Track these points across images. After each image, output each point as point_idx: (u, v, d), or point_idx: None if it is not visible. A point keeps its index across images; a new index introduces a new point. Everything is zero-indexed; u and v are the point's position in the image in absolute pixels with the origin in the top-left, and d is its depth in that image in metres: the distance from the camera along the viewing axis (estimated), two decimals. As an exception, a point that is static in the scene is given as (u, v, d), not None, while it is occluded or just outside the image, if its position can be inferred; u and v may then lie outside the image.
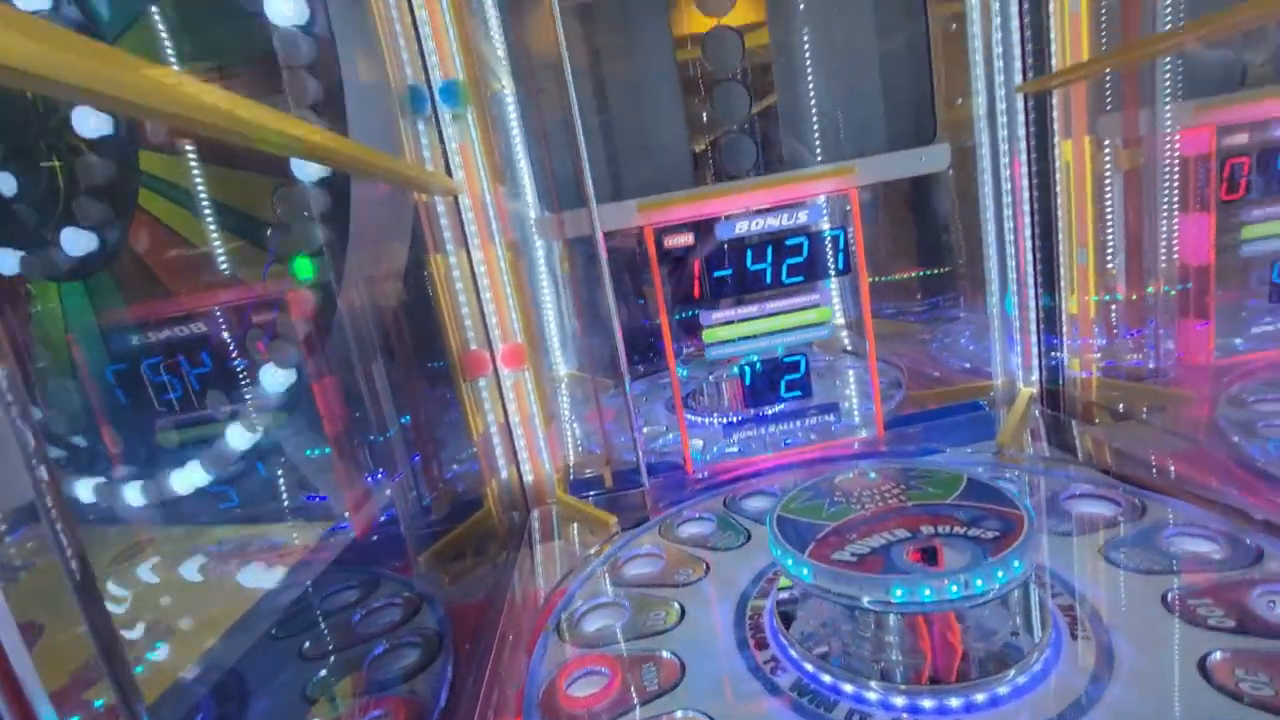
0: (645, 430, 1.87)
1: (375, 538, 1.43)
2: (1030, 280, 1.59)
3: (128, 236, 1.30)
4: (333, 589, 1.30)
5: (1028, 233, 1.57)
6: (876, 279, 2.53)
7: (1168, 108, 1.55)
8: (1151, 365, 1.64)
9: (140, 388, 1.40)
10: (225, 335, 1.37)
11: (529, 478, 1.51)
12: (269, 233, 1.20)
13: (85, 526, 1.54)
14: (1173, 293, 1.65)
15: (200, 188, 1.24)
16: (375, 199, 1.28)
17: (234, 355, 1.36)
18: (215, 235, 1.27)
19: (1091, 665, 0.76)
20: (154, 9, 1.21)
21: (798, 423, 1.54)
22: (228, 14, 1.14)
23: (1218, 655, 0.74)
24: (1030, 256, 1.57)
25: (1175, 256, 1.64)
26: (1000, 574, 0.74)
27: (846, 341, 2.34)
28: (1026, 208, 1.56)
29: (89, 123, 1.16)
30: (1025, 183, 1.54)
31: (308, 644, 1.11)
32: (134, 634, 1.18)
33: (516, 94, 1.68)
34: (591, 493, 1.53)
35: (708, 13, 1.41)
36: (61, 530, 0.38)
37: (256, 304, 1.30)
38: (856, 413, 1.66)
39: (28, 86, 0.36)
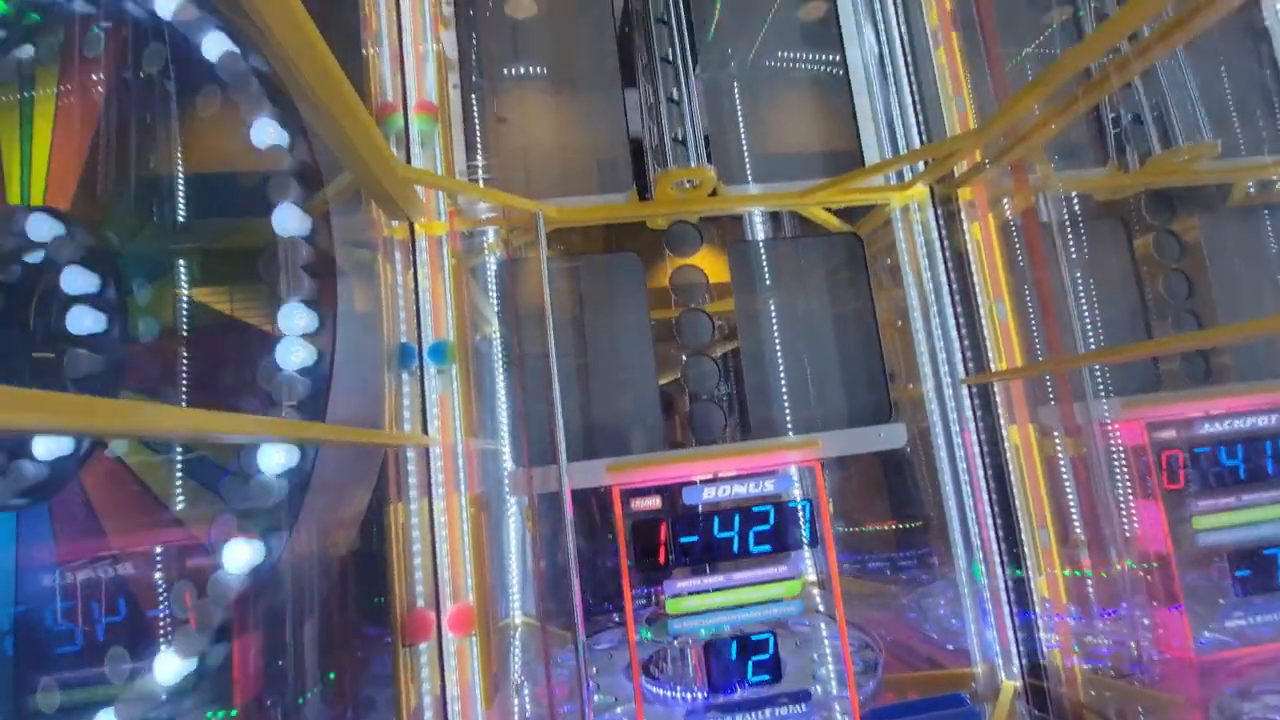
0: (597, 699, 1.68)
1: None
2: (996, 556, 1.58)
3: (78, 469, 1.26)
4: None
5: (987, 509, 1.61)
6: (849, 529, 2.51)
7: (1099, 402, 1.69)
8: (1133, 654, 1.57)
9: (35, 636, 1.25)
10: (152, 580, 1.26)
11: (461, 767, 1.31)
12: (225, 479, 1.18)
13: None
14: (1141, 575, 1.65)
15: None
16: (344, 453, 1.28)
17: (155, 604, 1.24)
18: (174, 481, 1.23)
19: None
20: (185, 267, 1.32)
21: (768, 710, 1.40)
22: (243, 279, 1.25)
23: None
24: (993, 533, 1.58)
25: (1137, 541, 1.67)
26: None
27: (819, 601, 2.24)
28: (984, 485, 1.61)
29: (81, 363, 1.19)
30: (979, 463, 1.62)
31: None
32: None
33: (503, 343, 1.79)
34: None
35: (682, 300, 1.58)
36: None
37: (193, 549, 1.23)
38: (831, 696, 1.52)
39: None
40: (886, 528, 2.50)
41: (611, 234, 1.79)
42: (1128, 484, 1.68)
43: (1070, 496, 1.65)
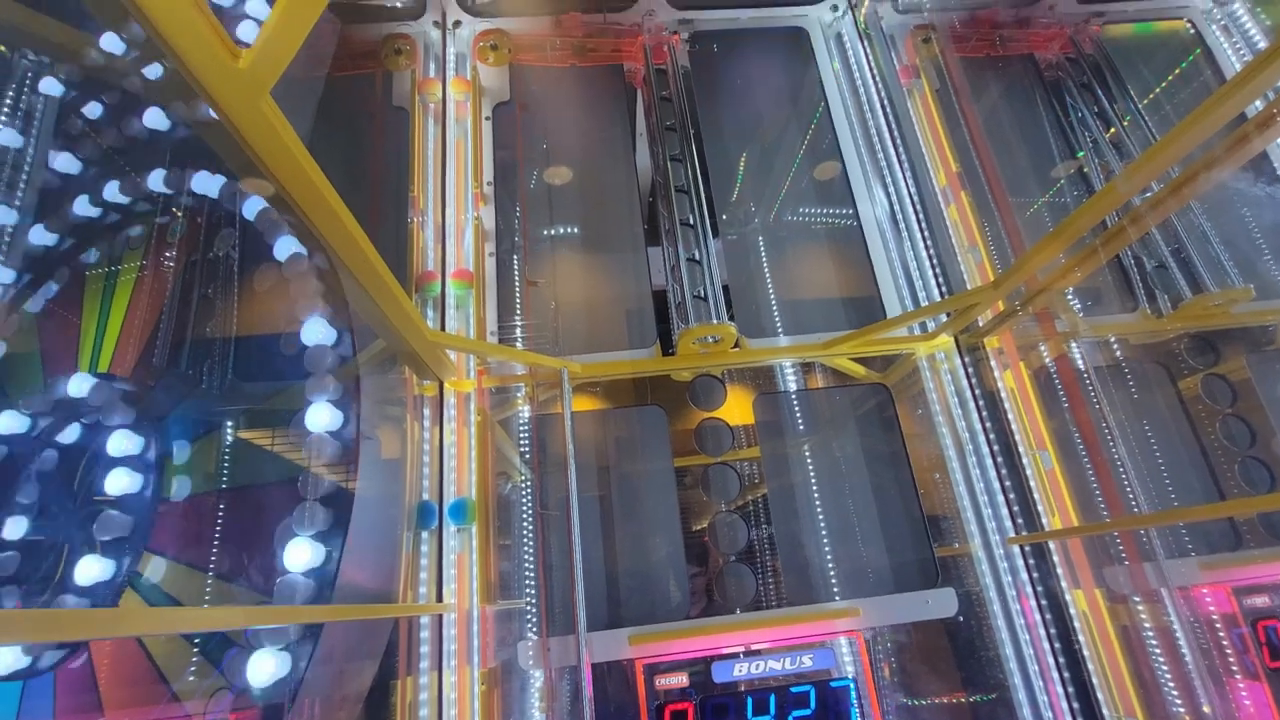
0: None
1: None
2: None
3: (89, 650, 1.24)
4: None
5: (1058, 685, 1.41)
6: (912, 701, 2.24)
7: (1174, 564, 1.53)
8: None
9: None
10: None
11: None
12: (229, 655, 1.13)
13: None
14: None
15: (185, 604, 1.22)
16: (352, 626, 1.23)
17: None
18: (183, 650, 1.20)
19: None
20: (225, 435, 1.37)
21: None
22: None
23: None
24: (1066, 705, 1.38)
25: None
26: None
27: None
28: (1050, 657, 1.43)
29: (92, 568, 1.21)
30: (1042, 632, 1.45)
31: None
32: None
33: (528, 486, 1.77)
34: None
35: (709, 454, 1.55)
36: None
37: (190, 731, 1.15)
38: None
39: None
40: (955, 700, 2.22)
41: (638, 387, 1.81)
42: (1227, 659, 1.48)
43: (1162, 671, 1.45)
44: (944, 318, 1.66)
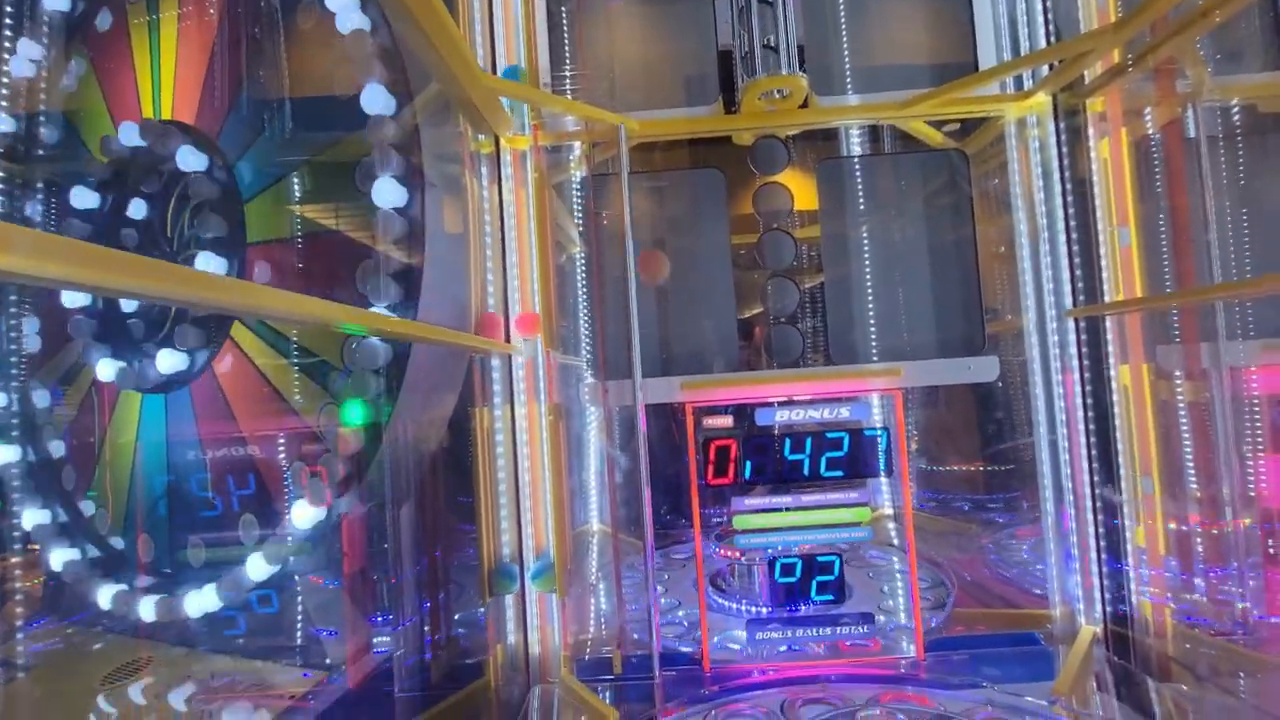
0: (664, 602, 1.78)
1: (367, 693, 1.36)
2: (1089, 501, 1.49)
3: (212, 361, 1.43)
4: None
5: (1083, 452, 1.51)
6: (933, 468, 2.44)
7: (1234, 344, 1.51)
8: (1236, 614, 1.46)
9: (184, 502, 1.46)
10: (275, 462, 1.43)
11: (535, 649, 1.43)
12: (333, 375, 1.29)
13: (95, 635, 1.54)
14: (1255, 533, 1.51)
15: (285, 329, 1.36)
16: (433, 353, 1.37)
17: (278, 484, 1.41)
18: (290, 373, 1.37)
19: None
20: (293, 178, 1.41)
21: (829, 629, 1.43)
22: (343, 190, 1.32)
23: None
24: (1088, 476, 1.49)
25: (1257, 498, 1.52)
26: None
27: (894, 535, 2.22)
28: (1082, 427, 1.50)
29: (208, 265, 1.32)
30: (1079, 401, 1.51)
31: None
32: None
33: (585, 260, 1.82)
34: (602, 678, 1.43)
35: (765, 220, 1.53)
36: None
37: (307, 436, 1.37)
38: (895, 627, 1.53)
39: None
40: (973, 468, 2.41)
41: (696, 150, 1.74)
42: (1258, 436, 1.52)
43: (1186, 445, 1.52)
44: (1045, 71, 1.48)
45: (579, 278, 1.89)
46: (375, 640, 1.45)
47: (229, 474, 1.45)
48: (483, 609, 1.43)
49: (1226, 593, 1.48)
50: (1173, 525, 1.49)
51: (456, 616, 1.55)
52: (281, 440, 1.43)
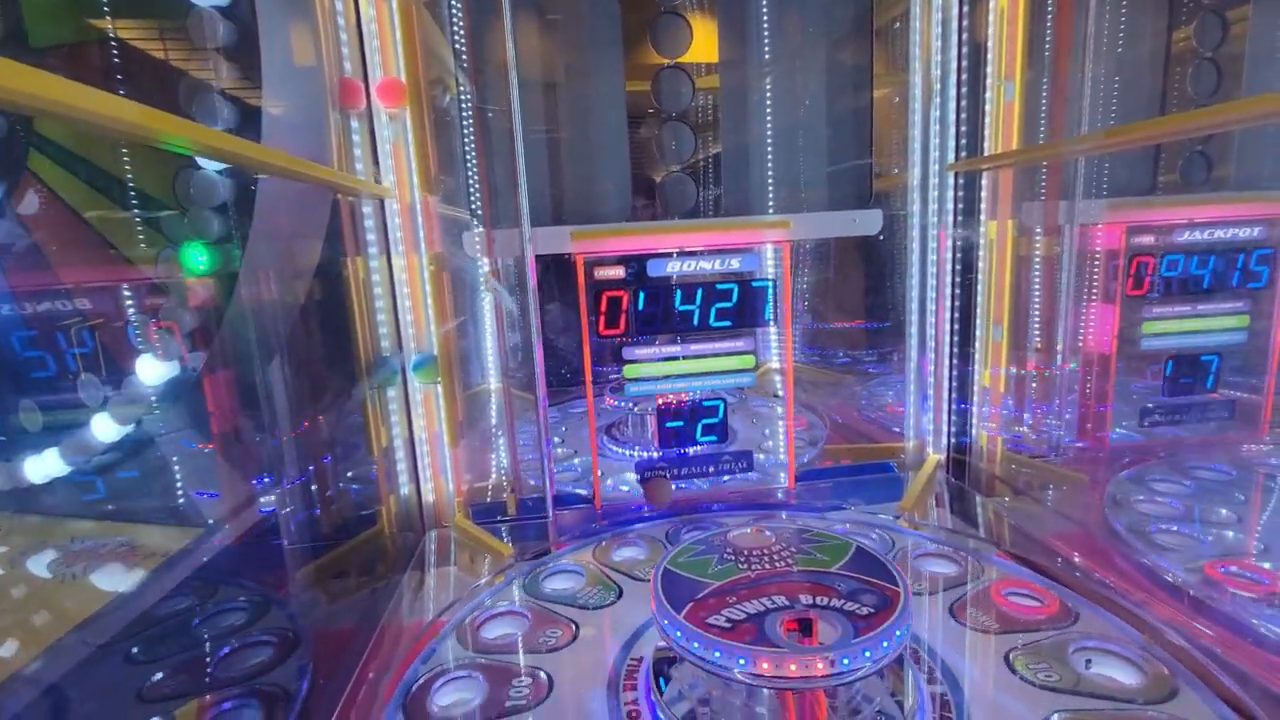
0: (559, 451, 1.84)
1: (251, 547, 1.34)
2: (946, 349, 1.63)
3: (9, 199, 1.20)
4: (194, 601, 1.21)
5: (948, 303, 1.63)
6: (817, 325, 2.59)
7: (1078, 203, 1.63)
8: (1053, 443, 1.71)
9: (8, 362, 1.28)
10: (109, 318, 1.27)
11: (429, 498, 1.45)
12: (167, 217, 1.13)
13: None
14: (1077, 375, 1.73)
15: (98, 159, 1.15)
16: (286, 193, 1.22)
17: (117, 340, 1.26)
18: (108, 211, 1.18)
19: (948, 750, 0.77)
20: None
21: (712, 468, 1.53)
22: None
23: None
24: (949, 326, 1.62)
25: (1082, 342, 1.73)
26: (868, 654, 0.74)
27: (779, 385, 2.37)
28: (949, 279, 1.61)
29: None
30: (950, 255, 1.60)
31: (151, 667, 1.02)
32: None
33: (468, 97, 1.65)
34: (495, 520, 1.48)
35: (663, 54, 1.41)
36: None
37: (146, 288, 1.21)
38: (773, 464, 1.67)
39: None
40: (852, 325, 2.58)
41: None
42: (1093, 287, 1.70)
43: (1034, 296, 1.67)
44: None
45: (460, 118, 1.71)
46: (260, 500, 1.41)
47: (57, 331, 1.28)
48: (374, 463, 1.40)
49: (1047, 425, 1.72)
50: (1013, 369, 1.67)
51: (347, 474, 1.52)
52: (116, 293, 1.26)
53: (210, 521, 1.38)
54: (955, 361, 1.65)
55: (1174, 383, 1.67)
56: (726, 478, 1.54)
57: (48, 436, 1.27)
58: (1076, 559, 1.21)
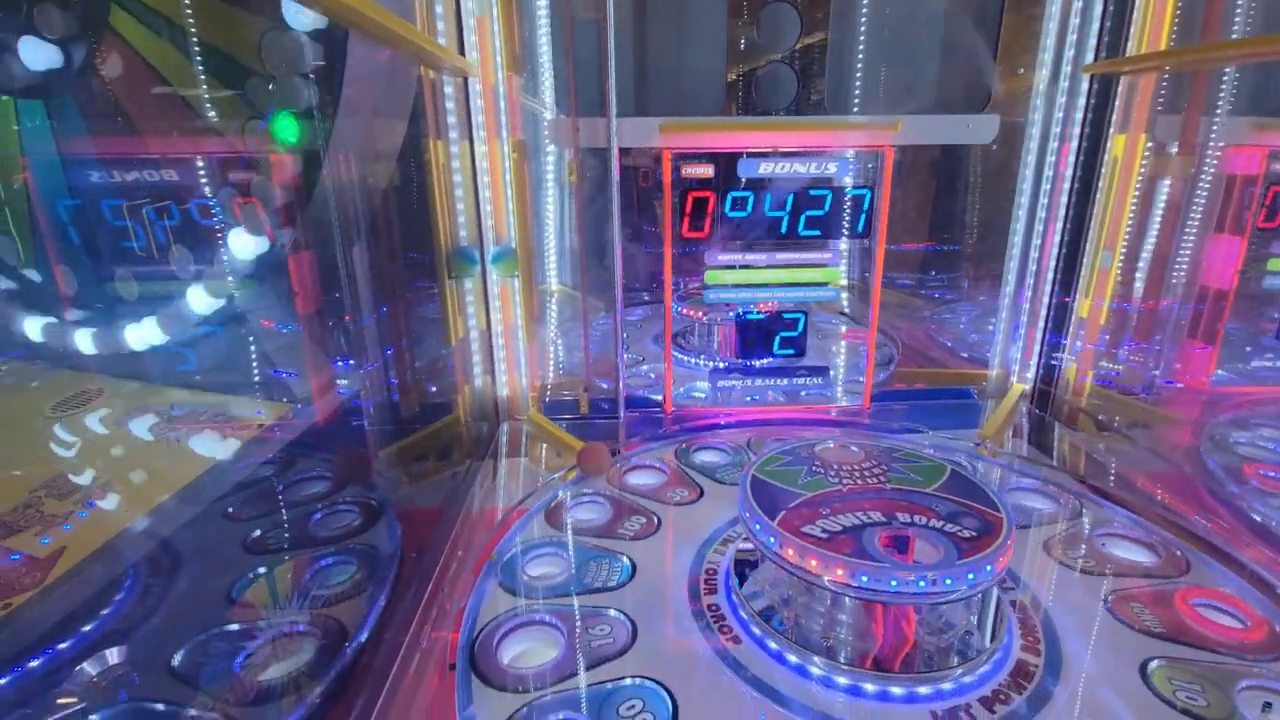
0: (627, 357, 1.83)
1: (336, 426, 1.39)
2: (1050, 275, 1.53)
3: (94, 58, 1.17)
4: (286, 471, 1.27)
5: (1059, 225, 1.50)
6: (886, 246, 2.47)
7: (1220, 120, 1.45)
8: (1149, 381, 1.62)
9: (99, 230, 1.30)
10: (198, 190, 1.26)
11: (503, 390, 1.47)
12: (251, 81, 1.08)
13: (32, 365, 1.47)
14: (1188, 311, 1.61)
15: (181, 18, 1.10)
16: (375, 64, 1.16)
17: (206, 213, 1.26)
18: (194, 75, 1.14)
19: (1039, 670, 0.76)
20: None
21: (785, 380, 1.50)
22: None
23: (1156, 663, 0.76)
24: (1056, 250, 1.50)
25: (1191, 276, 1.59)
26: (971, 576, 0.72)
27: (845, 304, 2.29)
28: (1064, 199, 1.48)
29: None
30: (1070, 171, 1.46)
31: (253, 524, 1.08)
32: (81, 479, 1.14)
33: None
34: (566, 416, 1.50)
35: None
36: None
37: (234, 161, 1.19)
38: (845, 379, 1.62)
39: None
40: (922, 248, 2.45)
41: None
42: (1222, 216, 1.54)
43: (1154, 222, 1.52)
44: None
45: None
46: (340, 382, 1.44)
47: (146, 202, 1.28)
48: (450, 353, 1.41)
49: (1142, 362, 1.62)
50: (1115, 303, 1.56)
51: (425, 362, 1.54)
52: (202, 164, 1.25)
53: (296, 399, 1.43)
54: (1056, 289, 1.54)
55: (1294, 327, 1.54)
56: (803, 393, 1.51)
57: (142, 306, 1.31)
58: (1167, 498, 1.16)
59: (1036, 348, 1.58)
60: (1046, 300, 1.55)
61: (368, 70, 1.14)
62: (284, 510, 1.16)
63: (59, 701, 0.76)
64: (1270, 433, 1.39)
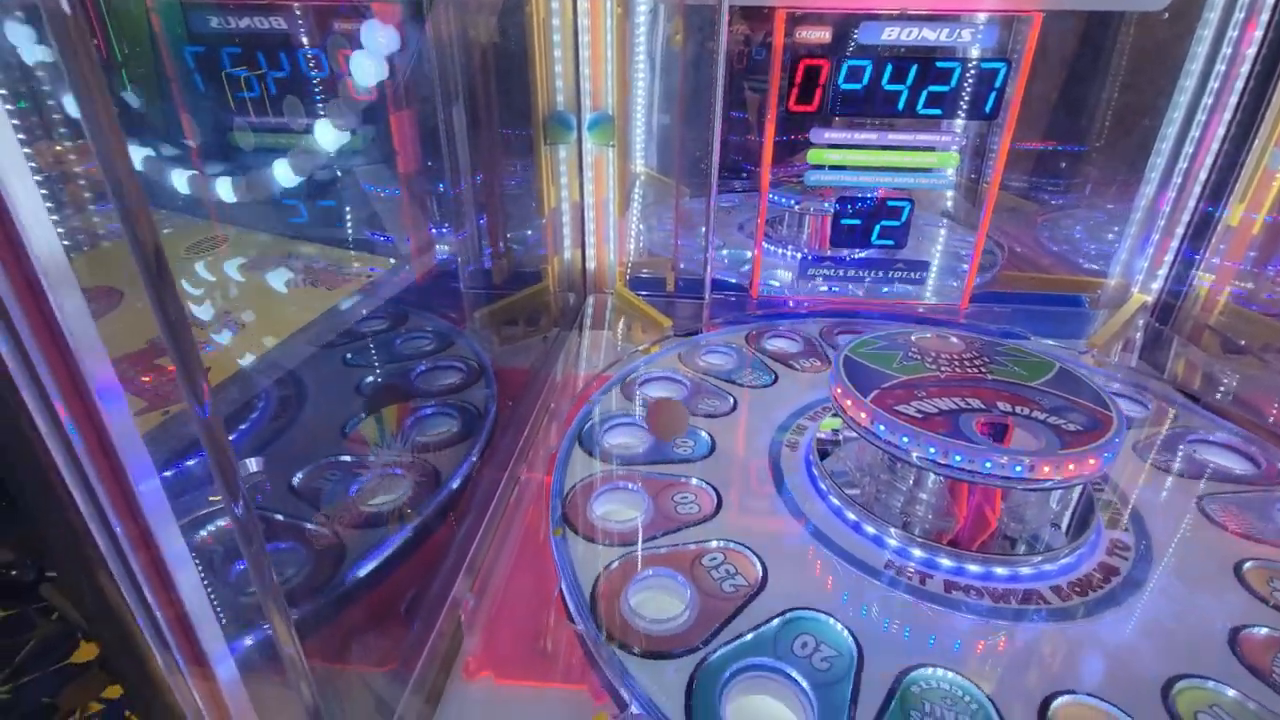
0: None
1: (434, 286, 1.45)
2: (1202, 176, 1.36)
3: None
4: (392, 324, 1.35)
5: (1226, 115, 1.31)
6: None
7: None
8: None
9: (218, 79, 1.34)
10: (305, 39, 1.27)
11: (592, 263, 1.48)
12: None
13: (164, 212, 1.58)
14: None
15: None
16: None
17: (315, 63, 1.27)
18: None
19: (1124, 566, 0.76)
20: None
21: (880, 273, 1.44)
22: None
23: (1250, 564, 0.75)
24: (1217, 146, 1.32)
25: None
26: (1072, 468, 0.70)
27: (950, 202, 2.13)
28: (1239, 84, 1.28)
29: None
30: (1253, 50, 1.25)
31: (364, 369, 1.17)
32: (205, 315, 1.26)
33: None
34: (650, 293, 1.50)
35: None
36: (131, 205, 0.35)
37: (339, 8, 1.19)
38: (944, 277, 1.54)
39: None
40: (1037, 147, 2.21)
41: None
42: None
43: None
44: None
45: None
46: (437, 247, 1.49)
47: (258, 50, 1.30)
48: (542, 223, 1.42)
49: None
50: (1274, 215, 1.37)
51: (518, 229, 1.56)
52: (310, 10, 1.25)
53: (398, 258, 1.49)
54: (1205, 193, 1.38)
55: None
56: (895, 286, 1.45)
57: (265, 156, 1.37)
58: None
59: (1169, 257, 1.43)
60: (1192, 205, 1.39)
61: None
62: (388, 360, 1.24)
63: (209, 499, 0.88)
64: None
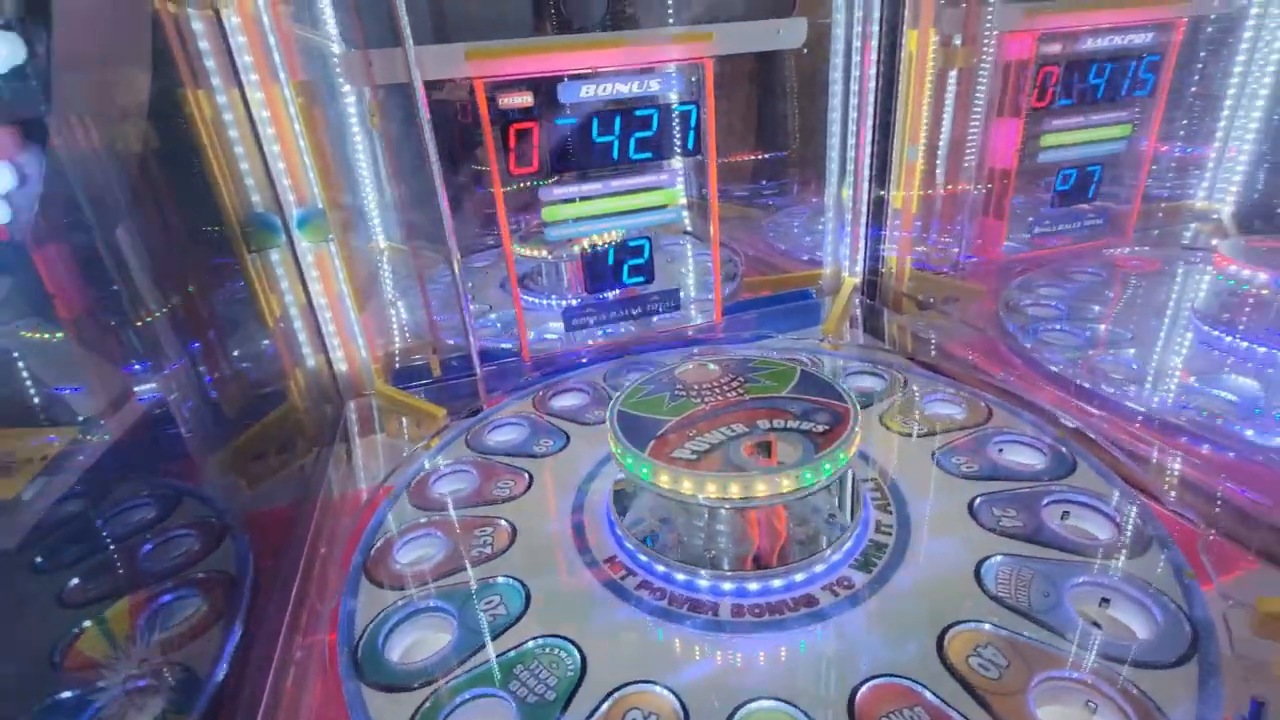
0: (474, 308, 1.74)
1: (146, 438, 1.20)
2: (866, 171, 1.62)
3: None
4: (91, 502, 1.09)
5: (870, 122, 1.58)
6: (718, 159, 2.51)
7: (994, 8, 1.58)
8: (952, 258, 1.80)
9: None
10: None
11: (341, 366, 1.34)
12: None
13: None
14: (981, 191, 1.79)
15: None
16: (88, 7, 0.93)
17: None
18: None
19: (893, 532, 0.85)
20: None
21: (640, 309, 1.50)
22: None
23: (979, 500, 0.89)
24: (869, 147, 1.59)
25: (981, 158, 1.77)
26: (828, 467, 0.77)
27: (688, 223, 2.32)
28: (871, 97, 1.55)
29: None
30: (873, 70, 1.53)
31: (63, 571, 0.92)
32: None
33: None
34: (421, 383, 1.40)
35: None
36: None
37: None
38: (695, 299, 1.66)
39: None
40: (750, 158, 2.53)
41: None
42: (1001, 100, 1.70)
43: (946, 112, 1.65)
44: None
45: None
46: (138, 388, 1.24)
47: None
48: (270, 335, 1.26)
49: (948, 242, 1.80)
50: (922, 191, 1.70)
51: (241, 349, 1.36)
52: None
53: (81, 418, 1.21)
54: (872, 185, 1.65)
55: (1063, 195, 1.77)
56: (655, 318, 1.52)
57: None
58: (977, 361, 1.32)
59: (862, 243, 1.69)
60: (866, 196, 1.65)
61: (83, 13, 0.92)
62: (98, 550, 0.99)
63: None
64: (1048, 291, 1.61)
